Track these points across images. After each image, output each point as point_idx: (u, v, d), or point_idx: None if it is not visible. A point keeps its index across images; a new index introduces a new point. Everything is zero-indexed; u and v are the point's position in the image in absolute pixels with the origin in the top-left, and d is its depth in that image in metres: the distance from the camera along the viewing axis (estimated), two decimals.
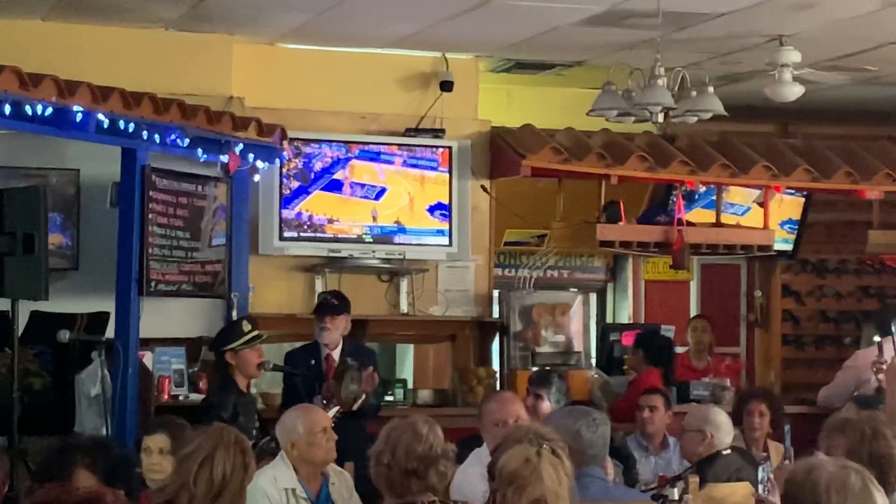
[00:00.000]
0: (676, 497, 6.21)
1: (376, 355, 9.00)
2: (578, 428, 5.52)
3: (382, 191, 9.59)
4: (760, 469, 6.49)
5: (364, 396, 7.86)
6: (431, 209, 9.68)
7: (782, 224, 10.89)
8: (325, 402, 7.44)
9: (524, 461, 3.97)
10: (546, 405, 7.49)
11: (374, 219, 9.57)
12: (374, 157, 9.58)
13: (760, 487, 6.35)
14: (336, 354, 8.37)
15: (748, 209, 10.66)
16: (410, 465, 4.90)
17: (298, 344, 10.74)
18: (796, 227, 11.06)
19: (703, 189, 10.33)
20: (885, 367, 8.59)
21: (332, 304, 8.42)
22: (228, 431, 5.01)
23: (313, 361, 8.37)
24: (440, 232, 9.69)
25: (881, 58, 9.62)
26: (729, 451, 7.01)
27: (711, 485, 6.52)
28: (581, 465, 5.47)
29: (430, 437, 4.96)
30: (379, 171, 9.59)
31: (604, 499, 5.42)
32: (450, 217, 9.69)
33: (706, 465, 6.89)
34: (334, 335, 8.37)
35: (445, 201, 9.69)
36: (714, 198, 10.36)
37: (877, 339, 9.16)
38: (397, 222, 9.62)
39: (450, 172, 9.72)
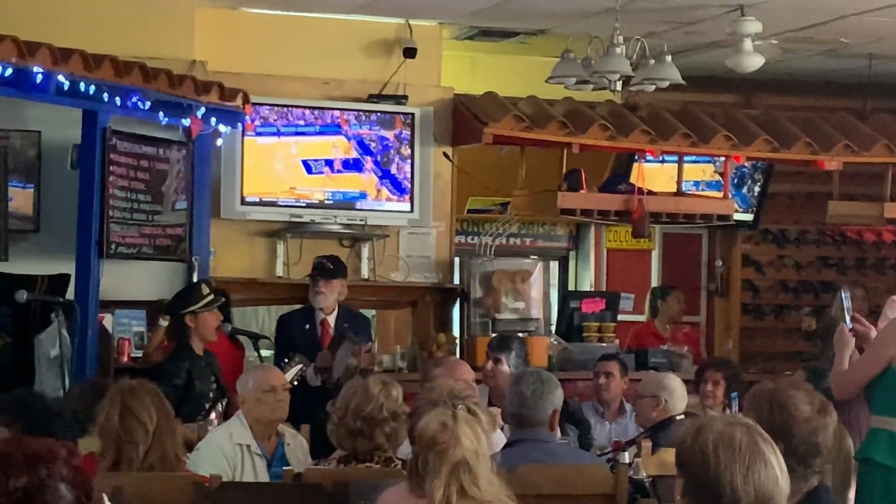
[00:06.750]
0: (627, 461, 6.29)
1: (370, 322, 8.98)
2: (523, 390, 5.51)
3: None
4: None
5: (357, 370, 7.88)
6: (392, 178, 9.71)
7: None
8: (285, 360, 7.45)
9: (441, 426, 3.96)
10: (505, 369, 7.54)
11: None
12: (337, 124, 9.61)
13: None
14: (331, 320, 8.37)
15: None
16: (356, 424, 4.99)
17: (261, 308, 10.74)
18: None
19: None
20: None
21: (327, 267, 8.40)
22: (124, 382, 5.07)
23: (307, 326, 8.37)
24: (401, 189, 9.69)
25: (841, 30, 9.67)
26: (683, 417, 7.08)
27: (664, 449, 6.58)
28: (524, 428, 5.48)
29: (380, 398, 5.03)
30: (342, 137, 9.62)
31: (548, 461, 5.43)
32: (412, 183, 9.72)
33: (659, 431, 6.96)
34: (329, 299, 8.35)
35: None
36: None
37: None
38: (359, 188, 9.65)
39: (412, 139, 9.74)
